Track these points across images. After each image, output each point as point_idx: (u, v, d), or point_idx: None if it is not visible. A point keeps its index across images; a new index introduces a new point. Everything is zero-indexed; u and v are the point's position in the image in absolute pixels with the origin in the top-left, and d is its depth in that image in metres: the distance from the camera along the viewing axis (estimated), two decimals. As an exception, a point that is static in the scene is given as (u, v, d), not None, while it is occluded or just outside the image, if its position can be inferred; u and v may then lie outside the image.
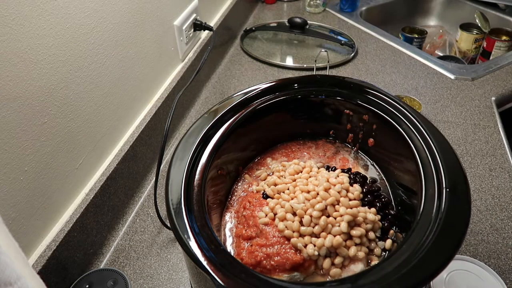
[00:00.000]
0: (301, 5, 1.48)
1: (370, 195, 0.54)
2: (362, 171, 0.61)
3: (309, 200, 0.50)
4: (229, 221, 0.56)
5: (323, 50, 1.08)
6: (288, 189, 0.54)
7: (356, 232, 0.48)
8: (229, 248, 0.52)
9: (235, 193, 0.60)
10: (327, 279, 0.47)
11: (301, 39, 1.25)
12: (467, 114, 0.93)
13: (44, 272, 0.54)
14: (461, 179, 0.45)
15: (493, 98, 0.97)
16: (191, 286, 0.60)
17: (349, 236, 0.48)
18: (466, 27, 1.33)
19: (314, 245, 0.47)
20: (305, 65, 1.12)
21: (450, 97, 0.98)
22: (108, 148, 0.71)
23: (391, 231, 0.51)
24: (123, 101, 0.73)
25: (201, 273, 0.39)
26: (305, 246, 0.47)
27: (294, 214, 0.50)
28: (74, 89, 0.60)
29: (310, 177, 0.55)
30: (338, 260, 0.47)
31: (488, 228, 0.68)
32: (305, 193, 0.51)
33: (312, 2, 1.43)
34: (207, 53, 0.90)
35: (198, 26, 0.98)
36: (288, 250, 0.47)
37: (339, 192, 0.50)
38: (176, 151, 0.51)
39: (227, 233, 0.54)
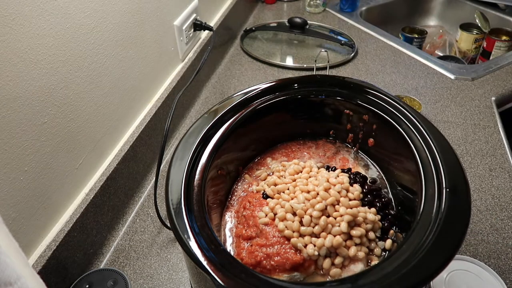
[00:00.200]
0: (301, 5, 1.48)
1: (370, 195, 0.54)
2: (362, 171, 0.61)
3: (309, 200, 0.50)
4: (229, 221, 0.56)
5: (323, 50, 1.08)
6: (288, 189, 0.54)
7: (356, 232, 0.48)
8: (229, 248, 0.52)
9: (235, 193, 0.60)
10: (327, 279, 0.47)
11: (301, 39, 1.25)
12: (467, 114, 0.93)
13: (44, 272, 0.54)
14: (461, 179, 0.45)
15: (493, 98, 0.97)
16: (191, 286, 0.60)
17: (349, 236, 0.48)
18: (466, 27, 1.33)
19: (314, 245, 0.47)
20: (305, 65, 1.12)
21: (450, 97, 0.98)
22: (108, 148, 0.71)
23: (391, 231, 0.51)
24: (123, 101, 0.73)
25: (201, 273, 0.39)
26: (305, 246, 0.47)
27: (294, 214, 0.50)
28: (74, 89, 0.60)
29: (310, 177, 0.55)
30: (338, 260, 0.47)
31: (488, 228, 0.68)
32: (305, 193, 0.51)
33: (312, 2, 1.43)
34: (207, 53, 0.90)
35: (198, 26, 0.98)
36: (288, 250, 0.47)
37: (339, 192, 0.50)
38: (176, 151, 0.51)
39: (227, 233, 0.54)
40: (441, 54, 1.34)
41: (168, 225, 0.62)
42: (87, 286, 0.58)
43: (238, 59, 1.17)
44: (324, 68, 1.05)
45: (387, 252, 0.50)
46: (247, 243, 0.50)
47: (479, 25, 1.30)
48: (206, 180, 0.50)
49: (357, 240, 0.48)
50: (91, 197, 0.63)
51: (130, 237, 0.69)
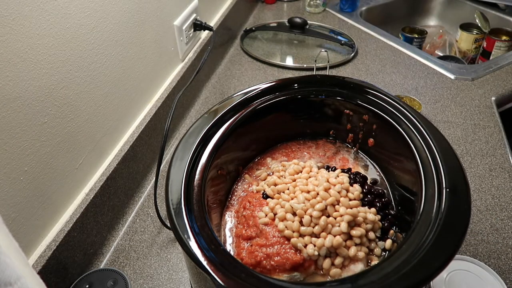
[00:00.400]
0: (301, 5, 1.48)
1: (370, 195, 0.54)
2: (362, 171, 0.61)
3: (309, 200, 0.50)
4: (229, 221, 0.56)
5: (323, 50, 1.08)
6: (288, 189, 0.54)
7: (356, 232, 0.48)
8: (229, 248, 0.52)
9: (235, 193, 0.60)
10: (327, 279, 0.47)
11: (301, 39, 1.25)
12: (467, 114, 0.93)
13: (44, 272, 0.54)
14: (461, 179, 0.45)
15: (493, 98, 0.97)
16: (191, 286, 0.60)
17: (349, 236, 0.48)
18: (466, 27, 1.33)
19: (314, 245, 0.47)
20: (305, 65, 1.12)
21: (450, 97, 0.98)
22: (108, 148, 0.71)
23: (391, 231, 0.52)
24: (123, 101, 0.73)
25: (201, 273, 0.39)
26: (305, 246, 0.47)
27: (294, 214, 0.50)
28: (74, 89, 0.60)
29: (310, 177, 0.55)
30: (338, 260, 0.47)
31: (488, 228, 0.68)
32: (305, 193, 0.51)
33: (312, 2, 1.43)
34: (207, 53, 0.90)
35: (198, 26, 0.98)
36: (288, 250, 0.47)
37: (339, 192, 0.50)
38: (176, 151, 0.51)
39: (227, 233, 0.54)
40: (441, 54, 1.34)
41: (168, 225, 0.62)
42: (87, 286, 0.58)
43: (238, 59, 1.17)
44: (324, 68, 1.05)
45: (387, 252, 0.50)
46: (247, 243, 0.50)
47: (479, 25, 1.30)
48: (206, 180, 0.50)
49: (357, 240, 0.48)
50: (91, 197, 0.63)
51: (130, 237, 0.69)
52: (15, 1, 0.47)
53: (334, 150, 0.65)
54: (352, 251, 0.47)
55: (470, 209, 0.43)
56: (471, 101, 0.97)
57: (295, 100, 0.61)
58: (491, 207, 0.71)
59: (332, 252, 0.48)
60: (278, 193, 0.54)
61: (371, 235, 0.50)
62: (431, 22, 1.56)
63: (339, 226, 0.48)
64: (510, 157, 0.81)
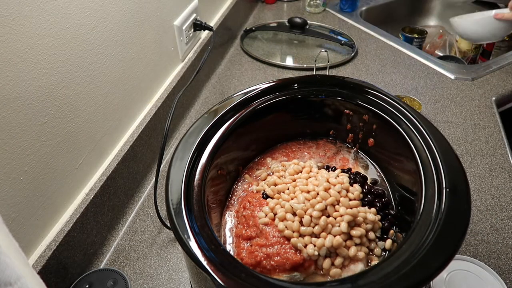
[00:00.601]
0: (301, 5, 1.48)
1: (370, 195, 0.54)
2: (362, 171, 0.61)
3: (309, 200, 0.50)
4: (229, 221, 0.56)
5: (323, 50, 1.08)
6: (288, 189, 0.54)
7: (356, 232, 0.48)
8: (229, 248, 0.52)
9: (235, 193, 0.60)
10: (327, 279, 0.47)
11: (301, 39, 1.25)
12: (467, 114, 0.93)
13: (44, 272, 0.54)
14: (461, 179, 0.45)
15: (493, 98, 0.97)
16: (191, 286, 0.60)
17: (349, 236, 0.48)
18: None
19: (314, 245, 0.47)
20: (305, 65, 1.12)
21: (450, 97, 0.98)
22: (108, 148, 0.71)
23: (391, 231, 0.52)
24: (123, 101, 0.73)
25: (201, 273, 0.39)
26: (305, 246, 0.47)
27: (294, 214, 0.50)
28: (74, 89, 0.60)
29: (310, 177, 0.55)
30: (338, 260, 0.47)
31: (488, 228, 0.68)
32: (305, 193, 0.51)
33: (312, 2, 1.43)
34: (207, 53, 0.90)
35: (198, 26, 0.98)
36: (288, 250, 0.47)
37: (339, 192, 0.50)
38: (176, 151, 0.51)
39: (227, 233, 0.55)
40: (441, 54, 1.34)
41: (168, 225, 0.62)
42: (87, 286, 0.58)
43: (238, 59, 1.17)
44: (324, 68, 1.05)
45: (387, 252, 0.50)
46: (247, 243, 0.50)
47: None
48: (206, 180, 0.50)
49: (357, 240, 0.48)
50: (91, 197, 0.63)
51: (130, 237, 0.69)
52: (15, 1, 0.47)
53: (335, 150, 0.65)
54: (352, 251, 0.47)
55: (470, 209, 0.43)
56: (471, 101, 0.97)
57: (295, 100, 0.61)
58: (491, 207, 0.71)
59: (332, 252, 0.48)
60: (278, 193, 0.54)
61: (371, 235, 0.50)
62: (431, 22, 1.56)
63: (339, 226, 0.48)
64: (510, 157, 0.81)
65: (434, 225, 0.41)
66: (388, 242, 0.50)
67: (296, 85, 0.62)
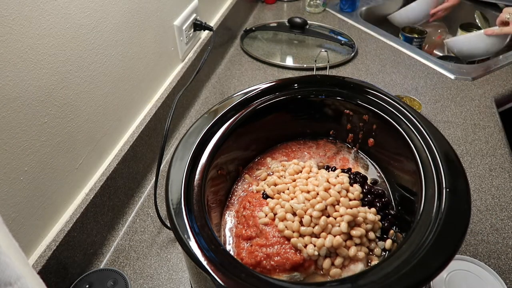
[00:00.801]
0: (301, 5, 1.48)
1: (370, 195, 0.54)
2: (362, 171, 0.61)
3: (309, 200, 0.50)
4: (229, 221, 0.56)
5: (323, 50, 1.08)
6: (288, 189, 0.54)
7: (356, 232, 0.48)
8: (229, 248, 0.52)
9: (235, 193, 0.60)
10: (327, 279, 0.47)
11: (301, 39, 1.25)
12: (467, 114, 0.93)
13: (44, 272, 0.54)
14: (461, 179, 0.45)
15: (493, 98, 0.97)
16: (191, 286, 0.60)
17: (349, 236, 0.48)
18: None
19: (314, 245, 0.47)
20: (305, 65, 1.12)
21: (450, 97, 0.98)
22: (108, 148, 0.71)
23: (391, 231, 0.52)
24: (123, 101, 0.73)
25: (201, 273, 0.39)
26: (305, 246, 0.47)
27: (294, 214, 0.50)
28: (74, 89, 0.60)
29: (310, 177, 0.55)
30: (338, 260, 0.47)
31: (488, 228, 0.68)
32: (305, 193, 0.51)
33: (312, 2, 1.43)
34: (207, 53, 0.90)
35: (198, 26, 0.98)
36: (288, 250, 0.47)
37: (339, 192, 0.50)
38: (176, 151, 0.51)
39: (227, 233, 0.55)
40: (440, 54, 1.34)
41: (168, 225, 0.62)
42: (87, 286, 0.58)
43: (238, 59, 1.17)
44: (324, 68, 1.05)
45: (387, 252, 0.50)
46: (247, 243, 0.50)
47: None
48: (206, 180, 0.50)
49: (357, 240, 0.48)
50: (91, 197, 0.63)
51: (130, 237, 0.69)
52: (15, 1, 0.47)
53: (335, 150, 0.65)
54: (352, 251, 0.47)
55: (470, 209, 0.43)
56: (471, 101, 0.97)
57: (295, 100, 0.61)
58: (491, 207, 0.71)
59: (332, 252, 0.48)
60: (278, 193, 0.54)
61: (371, 235, 0.50)
62: (432, 23, 1.55)
63: (339, 226, 0.48)
64: (510, 157, 0.81)
65: (434, 225, 0.41)
66: (388, 242, 0.50)
67: (296, 85, 0.62)
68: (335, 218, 0.49)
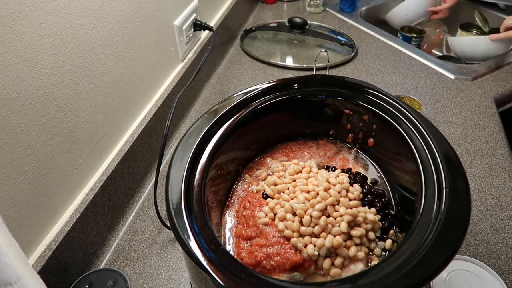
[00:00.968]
0: (301, 5, 1.48)
1: (370, 195, 0.54)
2: (362, 171, 0.61)
3: (309, 200, 0.50)
4: (229, 221, 0.56)
5: (323, 50, 1.08)
6: (288, 189, 0.54)
7: (356, 232, 0.48)
8: (229, 248, 0.52)
9: (235, 193, 0.60)
10: (327, 279, 0.47)
11: (301, 39, 1.25)
12: (467, 114, 0.93)
13: (44, 272, 0.54)
14: (461, 179, 0.45)
15: (493, 98, 0.97)
16: (191, 286, 0.60)
17: (349, 236, 0.48)
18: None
19: (314, 245, 0.47)
20: (305, 65, 1.12)
21: (450, 97, 0.98)
22: (108, 148, 0.71)
23: (391, 231, 0.52)
24: (123, 101, 0.73)
25: (201, 273, 0.39)
26: (305, 246, 0.47)
27: (294, 214, 0.50)
28: (74, 89, 0.60)
29: (309, 177, 0.55)
30: (338, 260, 0.47)
31: (488, 228, 0.68)
32: (305, 193, 0.51)
33: (312, 2, 1.43)
34: (207, 53, 0.90)
35: (198, 26, 0.98)
36: (288, 250, 0.47)
37: (339, 192, 0.50)
38: (176, 151, 0.51)
39: (227, 233, 0.55)
40: (439, 54, 1.34)
41: (168, 225, 0.62)
42: (87, 286, 0.58)
43: (238, 59, 1.17)
44: (324, 68, 1.05)
45: (387, 252, 0.50)
46: (247, 243, 0.50)
47: (479, 25, 1.30)
48: (206, 180, 0.50)
49: (357, 240, 0.48)
50: (91, 197, 0.63)
51: (130, 237, 0.69)
52: (15, 1, 0.47)
53: (335, 150, 0.65)
54: (352, 251, 0.47)
55: (470, 209, 0.43)
56: (471, 101, 0.97)
57: (295, 100, 0.61)
58: (491, 207, 0.71)
59: (332, 252, 0.48)
60: (278, 193, 0.54)
61: (371, 235, 0.50)
62: (431, 22, 1.55)
63: (339, 226, 0.48)
64: (510, 157, 0.81)
65: (434, 225, 0.41)
66: (388, 242, 0.50)
67: (296, 85, 0.62)
68: (335, 218, 0.49)
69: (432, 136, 0.51)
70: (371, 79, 1.07)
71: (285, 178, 0.56)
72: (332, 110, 0.63)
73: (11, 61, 0.48)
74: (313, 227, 0.48)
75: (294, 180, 0.56)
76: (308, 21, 1.24)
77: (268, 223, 0.50)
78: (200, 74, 0.98)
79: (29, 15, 0.50)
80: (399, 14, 1.37)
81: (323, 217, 0.48)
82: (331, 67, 1.10)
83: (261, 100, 0.59)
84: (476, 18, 1.30)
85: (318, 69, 1.06)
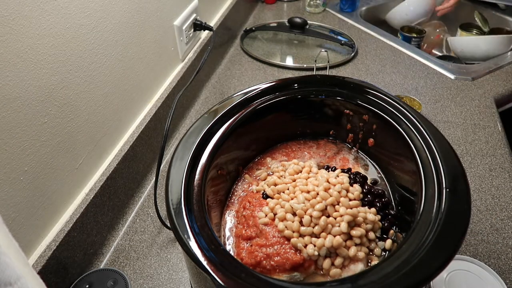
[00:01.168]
0: (301, 5, 1.48)
1: (370, 195, 0.54)
2: (362, 171, 0.61)
3: (309, 200, 0.50)
4: (229, 221, 0.56)
5: (323, 50, 1.08)
6: (288, 189, 0.54)
7: (356, 232, 0.48)
8: (229, 248, 0.52)
9: (235, 193, 0.60)
10: (327, 279, 0.47)
11: (301, 39, 1.25)
12: (467, 114, 0.93)
13: (44, 272, 0.54)
14: (461, 179, 0.45)
15: (493, 98, 0.97)
16: (191, 286, 0.60)
17: (349, 236, 0.48)
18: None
19: (314, 245, 0.47)
20: (305, 65, 1.12)
21: (450, 97, 0.98)
22: (108, 148, 0.71)
23: (391, 231, 0.52)
24: (123, 101, 0.73)
25: (201, 273, 0.39)
26: (305, 246, 0.47)
27: (294, 214, 0.50)
28: (74, 89, 0.60)
29: (309, 177, 0.55)
30: (338, 260, 0.47)
31: (488, 228, 0.68)
32: (305, 193, 0.51)
33: (312, 2, 1.43)
34: (207, 53, 0.90)
35: (198, 26, 0.98)
36: (288, 250, 0.47)
37: (339, 192, 0.50)
38: (176, 151, 0.51)
39: (227, 233, 0.55)
40: (439, 54, 1.34)
41: (168, 225, 0.62)
42: (87, 286, 0.58)
43: (238, 59, 1.17)
44: (324, 68, 1.05)
45: (387, 252, 0.50)
46: (247, 243, 0.50)
47: (479, 25, 1.30)
48: (206, 180, 0.50)
49: (357, 240, 0.48)
50: (91, 197, 0.63)
51: (130, 237, 0.69)
52: (15, 1, 0.47)
53: (335, 150, 0.65)
54: (352, 251, 0.47)
55: (470, 209, 0.43)
56: (471, 101, 0.97)
57: (295, 100, 0.61)
58: (491, 207, 0.71)
59: (332, 252, 0.48)
60: (278, 193, 0.54)
61: (371, 235, 0.50)
62: (431, 22, 1.55)
63: (339, 226, 0.48)
64: (510, 157, 0.81)
65: (434, 225, 0.41)
66: (388, 242, 0.50)
67: (296, 85, 0.62)
68: (335, 218, 0.49)
69: (432, 136, 0.51)
70: (371, 79, 1.07)
71: (285, 178, 0.56)
72: (332, 110, 0.63)
73: (11, 61, 0.48)
74: (313, 227, 0.48)
75: (294, 180, 0.56)
76: (308, 21, 1.24)
77: (268, 223, 0.50)
78: (200, 74, 0.98)
79: (29, 15, 0.50)
80: (399, 14, 1.37)
81: (323, 217, 0.48)
82: (331, 67, 1.10)
83: (261, 100, 0.59)
84: (476, 18, 1.30)
85: (318, 69, 1.06)
